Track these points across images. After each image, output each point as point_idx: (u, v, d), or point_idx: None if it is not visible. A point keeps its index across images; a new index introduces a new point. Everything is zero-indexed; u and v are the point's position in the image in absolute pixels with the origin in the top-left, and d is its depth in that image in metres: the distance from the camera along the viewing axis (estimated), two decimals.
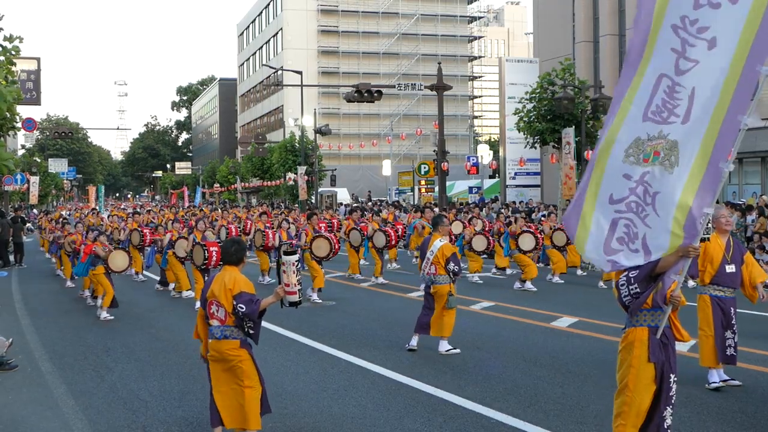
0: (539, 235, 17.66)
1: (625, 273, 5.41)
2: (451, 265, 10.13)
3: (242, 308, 6.19)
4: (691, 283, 12.80)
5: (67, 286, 18.98)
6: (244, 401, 6.35)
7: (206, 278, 14.61)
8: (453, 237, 19.46)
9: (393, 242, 19.31)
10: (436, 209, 22.56)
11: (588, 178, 5.43)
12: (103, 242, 14.38)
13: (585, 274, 19.47)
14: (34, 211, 44.90)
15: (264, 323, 12.61)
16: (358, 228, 19.13)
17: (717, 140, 4.91)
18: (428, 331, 10.28)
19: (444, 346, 10.25)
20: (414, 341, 10.42)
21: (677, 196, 5.03)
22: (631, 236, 5.25)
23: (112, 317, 13.84)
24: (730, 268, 8.22)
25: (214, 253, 14.21)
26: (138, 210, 33.73)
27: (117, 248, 14.71)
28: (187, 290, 16.20)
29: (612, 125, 5.32)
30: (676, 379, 5.58)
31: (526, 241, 17.25)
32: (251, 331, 6.34)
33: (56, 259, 22.42)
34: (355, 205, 38.61)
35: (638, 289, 5.36)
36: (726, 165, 4.91)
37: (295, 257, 6.31)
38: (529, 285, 16.77)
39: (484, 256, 19.08)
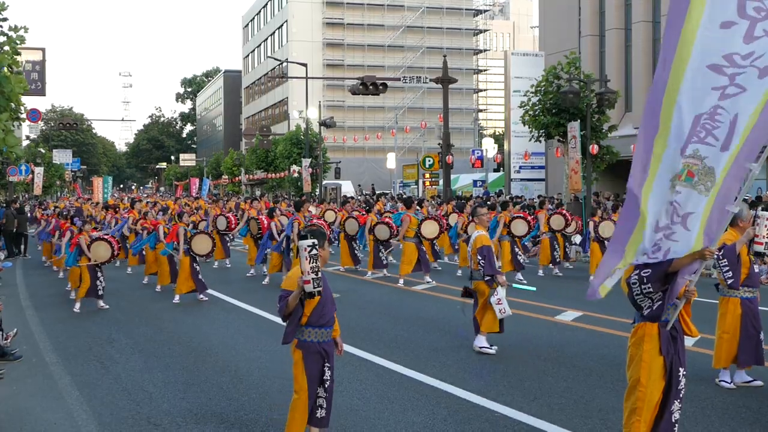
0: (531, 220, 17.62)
1: (637, 271, 5.34)
2: (479, 258, 9.61)
3: (277, 306, 5.97)
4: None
5: (60, 277, 19.14)
6: (290, 406, 6.10)
7: (195, 267, 14.68)
8: (448, 226, 19.50)
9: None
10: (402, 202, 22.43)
11: (638, 204, 5.18)
12: (89, 231, 14.35)
13: (572, 267, 19.43)
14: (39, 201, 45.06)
15: (267, 315, 12.74)
16: (354, 217, 19.27)
17: (745, 142, 4.82)
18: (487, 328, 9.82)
19: (478, 342, 9.83)
20: (480, 341, 9.85)
21: (705, 205, 4.98)
22: (655, 251, 5.18)
23: (108, 307, 13.95)
24: (756, 267, 8.17)
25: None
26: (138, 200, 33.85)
27: (100, 239, 14.29)
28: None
29: (651, 164, 5.09)
30: (685, 373, 5.54)
31: (519, 227, 17.28)
32: (287, 330, 5.97)
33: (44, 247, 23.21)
34: (352, 197, 38.50)
35: (651, 288, 5.31)
36: (753, 164, 4.85)
37: (308, 242, 5.87)
38: (519, 276, 16.79)
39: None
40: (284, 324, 6.04)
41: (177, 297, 14.62)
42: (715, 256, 7.87)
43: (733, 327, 8.08)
